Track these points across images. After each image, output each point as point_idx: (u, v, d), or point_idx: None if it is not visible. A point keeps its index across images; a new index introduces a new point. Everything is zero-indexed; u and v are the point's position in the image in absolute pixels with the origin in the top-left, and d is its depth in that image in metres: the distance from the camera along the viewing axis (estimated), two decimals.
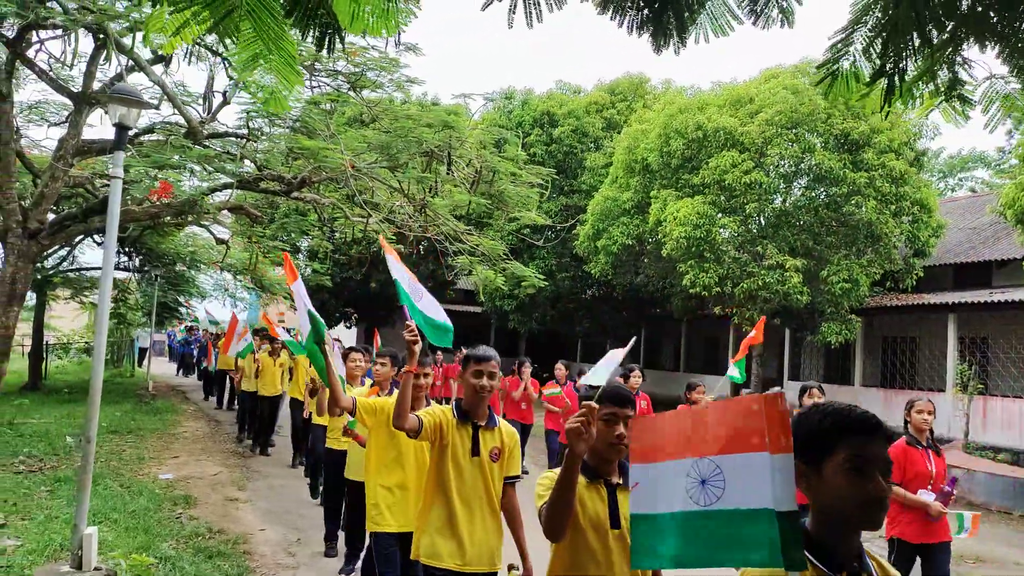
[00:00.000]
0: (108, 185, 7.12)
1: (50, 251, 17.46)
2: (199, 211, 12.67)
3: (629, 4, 2.96)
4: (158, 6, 2.49)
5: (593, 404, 2.31)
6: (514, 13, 2.87)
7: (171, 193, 12.38)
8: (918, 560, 4.95)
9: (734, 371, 8.09)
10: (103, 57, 12.09)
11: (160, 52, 11.39)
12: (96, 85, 12.60)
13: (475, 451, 3.44)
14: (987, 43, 2.86)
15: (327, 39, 2.66)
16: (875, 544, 6.42)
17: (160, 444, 11.69)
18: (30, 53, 12.33)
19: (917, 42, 2.85)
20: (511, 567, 3.34)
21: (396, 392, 3.57)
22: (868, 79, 3.05)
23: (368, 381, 6.38)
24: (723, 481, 1.59)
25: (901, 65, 2.94)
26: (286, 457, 11.03)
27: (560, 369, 10.27)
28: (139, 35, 10.74)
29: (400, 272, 3.88)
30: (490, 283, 13.38)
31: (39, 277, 18.28)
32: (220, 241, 16.14)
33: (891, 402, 17.55)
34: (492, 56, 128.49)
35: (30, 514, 6.89)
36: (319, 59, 11.51)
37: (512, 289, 17.54)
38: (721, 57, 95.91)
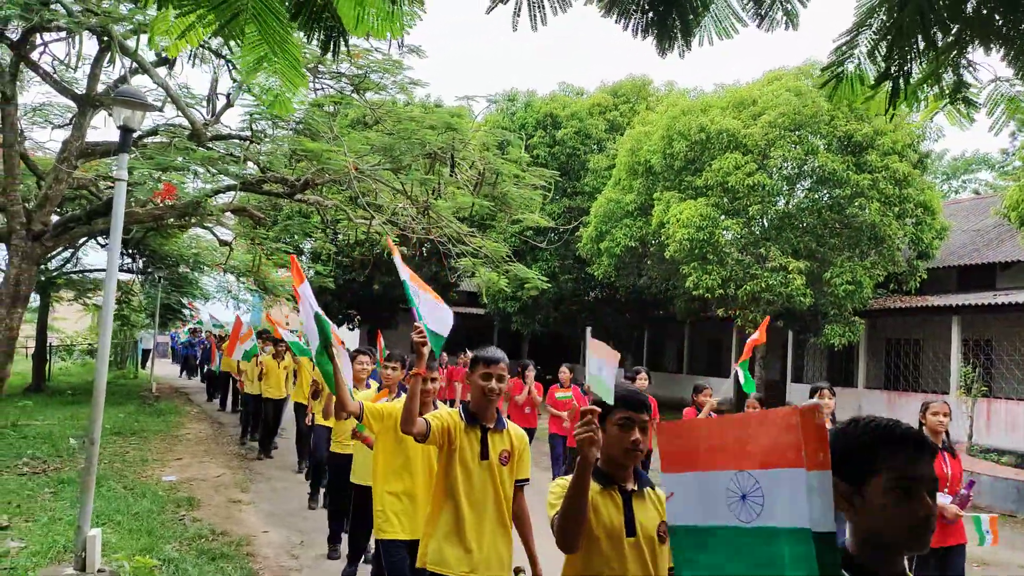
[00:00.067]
0: (112, 187, 7.14)
1: (54, 253, 17.50)
2: (202, 213, 12.71)
3: (634, 7, 2.96)
4: (163, 9, 2.49)
5: (595, 408, 2.27)
6: (518, 16, 2.87)
7: (175, 195, 12.43)
8: None
9: (742, 377, 8.03)
10: (107, 59, 12.14)
11: (164, 55, 11.42)
12: (100, 87, 12.65)
13: (484, 454, 3.36)
14: (992, 46, 2.85)
15: (332, 42, 2.66)
16: None
17: (163, 446, 11.70)
18: (34, 55, 12.38)
19: (922, 45, 2.84)
20: (518, 571, 3.28)
21: (403, 396, 3.51)
22: (873, 82, 3.05)
23: (374, 384, 6.38)
24: (762, 497, 1.52)
25: (906, 68, 2.93)
26: (289, 459, 11.02)
27: (564, 372, 10.24)
28: (143, 38, 10.77)
29: (405, 273, 3.85)
30: (493, 285, 13.38)
31: (43, 279, 18.32)
32: (223, 243, 16.18)
33: (895, 404, 17.52)
34: (496, 59, 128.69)
35: (34, 516, 6.90)
36: (323, 61, 11.53)
37: (515, 291, 17.53)
38: (724, 59, 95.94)
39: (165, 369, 31.24)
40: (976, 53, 2.95)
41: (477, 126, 16.27)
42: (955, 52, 2.92)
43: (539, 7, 2.87)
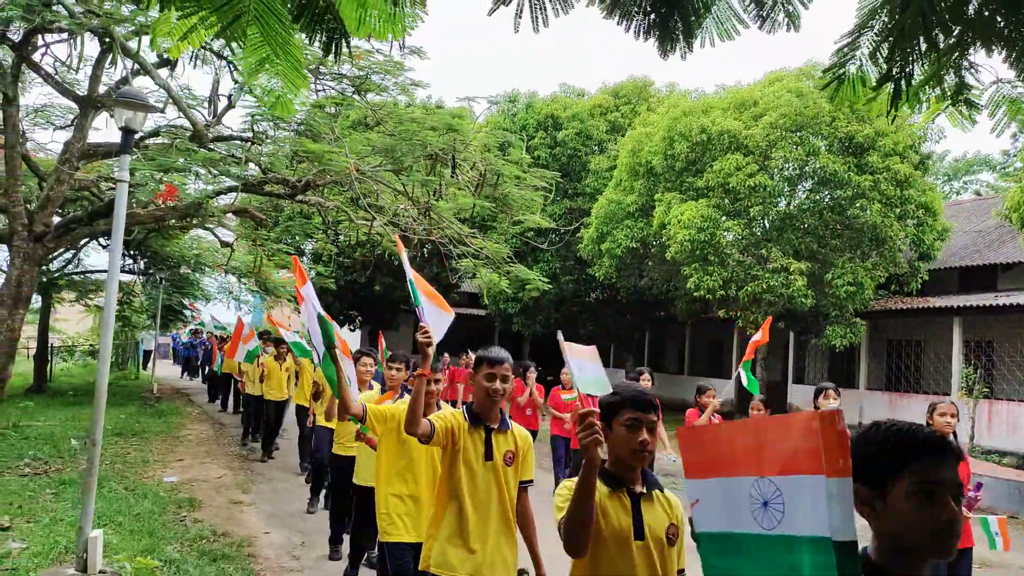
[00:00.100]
0: (113, 188, 7.15)
1: (55, 254, 17.53)
2: (204, 214, 12.71)
3: (635, 9, 2.96)
4: (165, 10, 2.49)
5: (594, 409, 2.26)
6: (520, 18, 2.87)
7: (176, 196, 12.44)
8: None
9: (745, 379, 8.01)
10: (108, 61, 12.16)
11: (166, 56, 11.43)
12: (101, 89, 12.67)
13: (488, 455, 3.32)
14: (993, 47, 2.85)
15: (334, 44, 2.65)
16: None
17: (164, 447, 11.70)
18: (36, 57, 12.40)
19: (924, 46, 2.84)
20: (522, 572, 3.26)
21: (407, 397, 3.49)
22: (875, 83, 3.04)
23: (376, 385, 6.37)
24: (783, 504, 1.50)
25: (908, 69, 2.93)
26: (290, 461, 11.02)
27: (566, 374, 10.24)
28: (145, 39, 10.78)
29: (411, 274, 3.83)
30: (494, 286, 13.37)
31: (44, 280, 18.34)
32: (224, 244, 16.19)
33: (896, 405, 17.52)
34: (498, 60, 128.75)
35: (35, 517, 6.90)
36: (324, 63, 11.54)
37: (516, 292, 17.52)
38: (726, 60, 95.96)
39: (166, 370, 31.25)
40: (978, 55, 2.95)
41: (478, 127, 16.27)
42: (957, 54, 2.92)
43: (541, 9, 2.87)
